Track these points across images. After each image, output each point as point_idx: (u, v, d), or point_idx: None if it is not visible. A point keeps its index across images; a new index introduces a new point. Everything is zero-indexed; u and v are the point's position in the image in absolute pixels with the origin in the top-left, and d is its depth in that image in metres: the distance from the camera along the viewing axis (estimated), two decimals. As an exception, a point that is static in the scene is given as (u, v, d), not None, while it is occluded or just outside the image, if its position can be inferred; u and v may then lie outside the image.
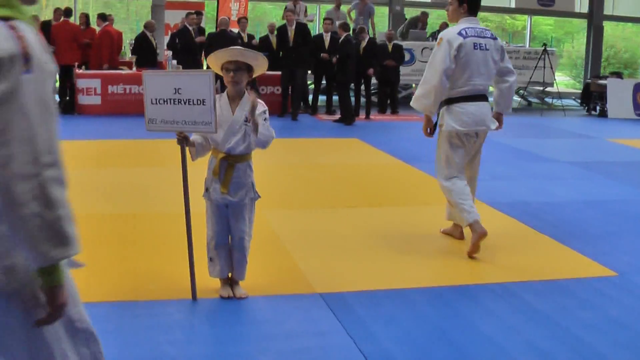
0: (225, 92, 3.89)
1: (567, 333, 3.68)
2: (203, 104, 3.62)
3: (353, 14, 15.11)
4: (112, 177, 7.08)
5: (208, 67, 3.94)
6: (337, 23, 12.97)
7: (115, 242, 4.98)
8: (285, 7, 14.11)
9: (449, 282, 4.46)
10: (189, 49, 12.70)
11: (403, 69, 14.01)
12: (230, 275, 4.05)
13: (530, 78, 15.05)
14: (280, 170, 7.56)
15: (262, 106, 3.89)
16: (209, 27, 14.91)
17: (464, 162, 5.12)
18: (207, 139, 3.86)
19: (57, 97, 12.28)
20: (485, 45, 4.98)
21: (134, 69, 12.86)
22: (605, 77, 16.17)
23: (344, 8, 14.99)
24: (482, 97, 5.07)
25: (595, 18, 20.38)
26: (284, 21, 13.04)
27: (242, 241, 3.93)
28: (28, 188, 1.63)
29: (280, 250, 4.91)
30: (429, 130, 5.19)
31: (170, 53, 13.06)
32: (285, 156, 8.41)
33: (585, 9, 20.58)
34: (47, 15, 15.34)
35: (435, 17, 18.79)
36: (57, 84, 12.41)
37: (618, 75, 16.47)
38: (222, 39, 11.45)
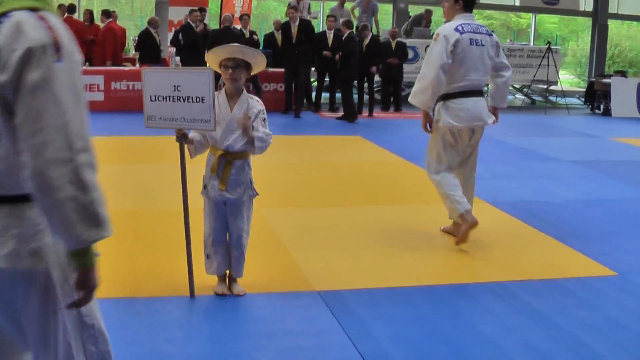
0: (223, 90, 3.88)
1: (565, 333, 3.67)
2: (202, 102, 3.62)
3: (357, 12, 15.07)
4: (111, 174, 7.06)
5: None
6: (341, 20, 12.95)
7: (113, 239, 4.90)
8: (289, 4, 14.08)
9: (448, 280, 4.45)
10: (193, 45, 12.70)
11: (406, 67, 13.98)
12: (228, 272, 4.05)
13: (534, 76, 15.01)
14: (282, 168, 7.55)
15: (259, 105, 3.88)
16: (212, 24, 14.89)
17: (455, 162, 5.16)
18: (205, 136, 3.86)
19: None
20: (481, 41, 5.02)
21: (137, 65, 12.86)
22: (609, 76, 16.12)
23: (348, 5, 14.95)
24: (478, 92, 5.12)
25: (600, 16, 20.30)
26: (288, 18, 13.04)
27: (240, 239, 3.94)
28: (63, 173, 1.68)
29: (280, 248, 4.91)
30: (428, 126, 5.20)
31: (173, 50, 13.06)
32: (288, 154, 8.40)
33: (590, 7, 20.50)
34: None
35: (440, 14, 18.72)
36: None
37: (622, 74, 16.41)
38: (226, 36, 11.44)
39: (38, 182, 1.69)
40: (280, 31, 13.11)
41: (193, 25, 12.90)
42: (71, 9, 12.95)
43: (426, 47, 5.66)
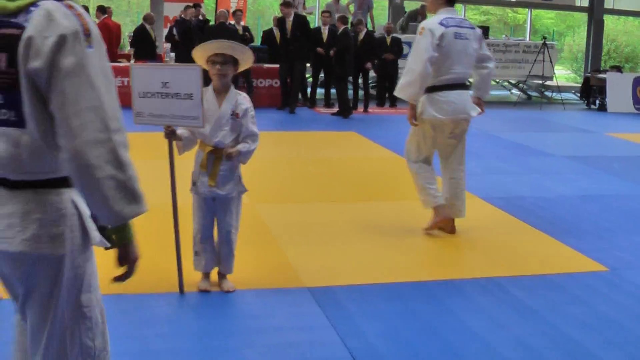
0: (210, 86, 3.86)
1: (555, 330, 3.66)
2: (191, 99, 3.60)
3: (352, 7, 15.05)
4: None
5: None
6: (336, 16, 12.92)
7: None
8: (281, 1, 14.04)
9: (438, 276, 4.44)
10: (188, 41, 12.66)
11: (402, 63, 13.93)
12: (217, 269, 4.04)
13: (530, 72, 15.00)
14: (276, 164, 7.53)
15: (247, 102, 3.86)
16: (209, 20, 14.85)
17: (432, 154, 5.27)
18: (194, 132, 3.84)
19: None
20: (465, 34, 5.07)
21: (133, 61, 12.83)
22: (605, 71, 16.12)
23: (343, 1, 14.93)
24: (463, 85, 5.18)
25: (596, 12, 20.31)
26: (283, 14, 13.01)
27: (230, 235, 3.93)
28: (102, 152, 1.76)
29: (271, 244, 4.90)
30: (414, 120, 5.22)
31: (169, 46, 13.03)
32: (282, 149, 8.37)
33: (585, 2, 20.51)
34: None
35: (435, 10, 18.70)
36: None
37: (618, 69, 16.42)
38: (221, 31, 11.41)
39: (77, 163, 1.76)
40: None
41: (188, 20, 12.86)
42: (66, 5, 12.91)
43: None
